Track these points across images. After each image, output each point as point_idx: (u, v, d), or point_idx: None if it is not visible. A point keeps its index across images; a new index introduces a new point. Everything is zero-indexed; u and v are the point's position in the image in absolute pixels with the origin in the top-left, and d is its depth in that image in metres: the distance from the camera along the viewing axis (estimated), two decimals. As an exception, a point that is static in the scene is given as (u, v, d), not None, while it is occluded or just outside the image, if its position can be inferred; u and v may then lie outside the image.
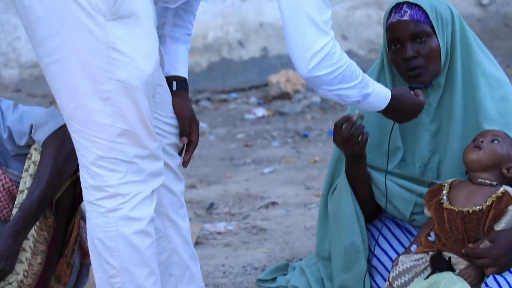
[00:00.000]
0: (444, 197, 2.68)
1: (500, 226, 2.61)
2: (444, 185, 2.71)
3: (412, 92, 2.68)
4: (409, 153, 2.89)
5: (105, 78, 2.31)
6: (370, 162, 2.87)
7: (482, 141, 2.68)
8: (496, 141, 2.68)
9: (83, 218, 2.86)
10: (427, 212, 2.73)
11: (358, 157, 2.79)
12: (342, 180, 2.87)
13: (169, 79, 2.65)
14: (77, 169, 2.66)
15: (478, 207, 2.62)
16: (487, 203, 2.63)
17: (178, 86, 2.66)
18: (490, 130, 2.73)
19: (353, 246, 2.82)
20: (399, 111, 2.62)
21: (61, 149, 2.66)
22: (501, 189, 2.64)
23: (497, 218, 2.60)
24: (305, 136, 5.97)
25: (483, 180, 2.67)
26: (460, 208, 2.63)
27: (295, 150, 5.61)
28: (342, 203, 2.85)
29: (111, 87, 2.32)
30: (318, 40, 2.37)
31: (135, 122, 2.35)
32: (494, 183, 2.66)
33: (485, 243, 2.60)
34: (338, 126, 2.71)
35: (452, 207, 2.65)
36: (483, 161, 2.66)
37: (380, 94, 2.55)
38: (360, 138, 2.69)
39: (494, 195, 2.63)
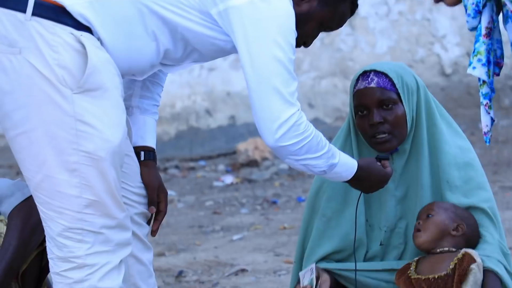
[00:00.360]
0: (412, 271, 2.74)
1: (468, 286, 2.64)
2: (411, 263, 2.78)
3: (379, 163, 2.72)
4: (375, 218, 2.91)
5: (72, 149, 2.33)
6: (333, 231, 2.90)
7: (419, 223, 2.77)
8: (430, 215, 2.77)
9: None
10: None
11: None
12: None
13: (137, 149, 2.66)
14: (44, 240, 2.65)
15: (443, 273, 2.68)
16: (451, 266, 2.68)
17: (146, 156, 2.68)
18: (424, 207, 2.81)
19: (347, 236, 2.85)
20: (365, 182, 2.65)
21: (27, 221, 2.65)
22: (461, 252, 2.70)
23: (462, 279, 2.65)
24: (274, 202, 5.99)
25: (442, 249, 2.74)
26: (427, 276, 2.68)
27: (264, 217, 5.62)
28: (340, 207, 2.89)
29: (78, 159, 2.33)
30: (284, 111, 2.41)
31: (103, 193, 2.36)
32: (453, 249, 2.73)
33: None
34: None
35: (419, 276, 2.70)
36: (429, 239, 2.74)
37: (346, 164, 2.58)
38: None
39: (455, 258, 2.69)
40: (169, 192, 6.01)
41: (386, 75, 2.82)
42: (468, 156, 2.87)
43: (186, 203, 6.16)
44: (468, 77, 7.57)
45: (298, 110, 2.44)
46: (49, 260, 2.40)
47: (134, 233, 2.54)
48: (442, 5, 2.47)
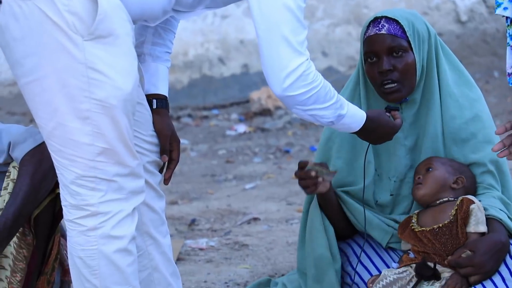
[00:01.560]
0: (415, 224, 2.76)
1: (471, 227, 2.69)
2: (412, 216, 2.81)
3: (388, 114, 2.70)
4: (384, 168, 2.90)
5: (84, 97, 2.32)
6: (344, 179, 2.89)
7: (419, 178, 2.79)
8: (430, 169, 2.79)
9: (64, 235, 2.85)
10: (404, 246, 2.80)
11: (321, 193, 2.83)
12: (313, 196, 2.91)
13: (149, 97, 2.65)
14: (56, 187, 2.66)
15: (446, 221, 2.72)
16: (452, 213, 2.72)
17: (159, 104, 2.66)
18: (422, 163, 2.83)
19: (322, 258, 2.84)
20: (373, 133, 2.64)
21: (38, 167, 2.66)
22: (459, 198, 2.75)
23: (465, 222, 2.69)
24: (287, 152, 5.99)
25: (441, 200, 2.77)
26: (431, 227, 2.71)
27: (276, 166, 5.63)
28: (312, 217, 2.88)
29: (89, 106, 2.32)
30: (292, 60, 2.38)
31: (115, 140, 2.36)
32: (452, 198, 2.77)
33: (466, 253, 2.65)
34: (296, 176, 2.75)
35: (424, 228, 2.74)
36: (430, 192, 2.77)
37: (355, 115, 2.56)
38: (312, 190, 2.73)
39: (455, 205, 2.73)
40: (182, 140, 6.03)
41: (397, 22, 2.79)
42: (476, 107, 2.85)
43: (199, 152, 6.17)
44: (484, 24, 7.50)
45: (307, 59, 2.41)
46: (63, 207, 2.41)
47: (146, 181, 2.54)
48: None
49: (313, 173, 2.72)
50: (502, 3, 2.36)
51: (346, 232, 2.91)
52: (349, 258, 2.90)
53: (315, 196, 2.90)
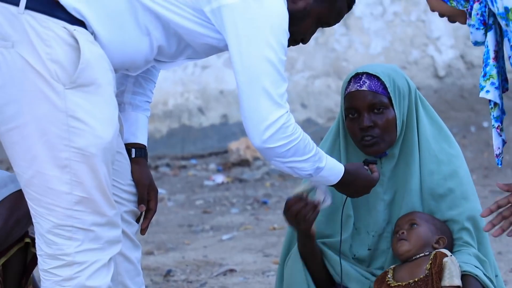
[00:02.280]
0: (391, 279, 2.77)
1: (445, 281, 2.70)
2: (388, 271, 2.81)
3: (366, 167, 2.71)
4: (362, 222, 2.90)
5: (63, 145, 2.31)
6: (322, 232, 2.88)
7: (402, 232, 2.79)
8: (414, 225, 2.80)
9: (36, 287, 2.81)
10: None
11: (305, 235, 2.81)
12: (295, 250, 2.88)
13: (128, 146, 2.65)
14: (25, 236, 2.62)
15: (421, 275, 2.72)
16: (427, 267, 2.73)
17: (137, 153, 2.66)
18: (403, 217, 2.82)
19: None
20: (351, 186, 2.64)
21: (13, 212, 2.63)
22: (433, 253, 2.76)
23: (440, 275, 2.70)
24: (264, 203, 5.98)
25: (417, 255, 2.78)
26: (407, 281, 2.72)
27: (254, 217, 5.61)
28: (293, 271, 2.86)
29: (69, 155, 2.31)
30: (272, 113, 2.39)
31: (93, 189, 2.34)
32: (427, 252, 2.78)
33: None
34: (289, 204, 2.73)
35: (400, 283, 2.74)
36: (413, 249, 2.78)
37: (333, 168, 2.57)
38: (307, 217, 2.71)
39: (429, 259, 2.74)
40: (160, 190, 6.00)
41: (378, 78, 2.81)
42: (454, 164, 2.87)
43: (177, 202, 6.14)
44: (461, 79, 7.58)
45: (287, 112, 2.43)
46: (38, 257, 2.38)
47: (123, 231, 2.52)
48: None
49: (304, 194, 2.69)
50: (484, 86, 2.39)
51: (325, 285, 2.89)
52: None
53: (295, 247, 2.88)
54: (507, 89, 2.45)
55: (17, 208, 2.62)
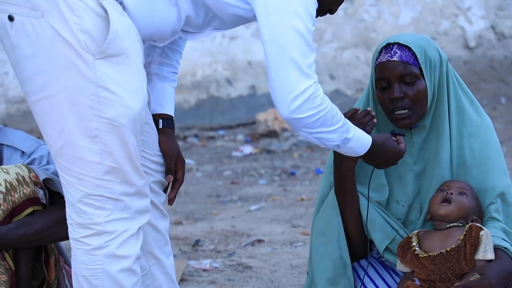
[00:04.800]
0: (417, 249, 2.74)
1: (480, 254, 2.69)
2: (412, 237, 2.78)
3: (393, 139, 2.70)
4: (392, 192, 2.89)
5: (93, 116, 2.32)
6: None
7: (451, 193, 2.76)
8: (464, 195, 2.77)
9: (67, 262, 2.83)
10: (402, 268, 2.78)
11: (348, 171, 2.79)
12: (331, 197, 2.87)
13: (156, 117, 2.65)
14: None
15: (454, 245, 2.70)
16: (460, 237, 2.71)
17: (165, 124, 2.66)
18: (456, 182, 2.80)
19: (341, 261, 2.82)
20: (378, 158, 2.63)
21: (54, 225, 2.64)
22: (467, 225, 2.74)
23: (475, 247, 2.68)
24: (292, 174, 5.98)
25: (450, 224, 2.76)
26: (439, 251, 2.71)
27: (282, 188, 5.62)
28: (330, 217, 2.85)
29: (98, 125, 2.33)
30: (300, 83, 2.38)
31: (123, 159, 2.36)
32: (460, 223, 2.76)
33: (475, 276, 2.64)
34: (348, 115, 2.73)
35: (430, 254, 2.72)
36: (453, 215, 2.75)
37: (361, 139, 2.56)
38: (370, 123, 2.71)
39: (464, 230, 2.72)
40: (188, 161, 6.03)
41: (409, 49, 2.79)
42: (486, 136, 2.85)
43: (205, 172, 6.16)
44: (492, 50, 7.51)
45: (315, 82, 2.41)
46: (68, 226, 2.41)
47: (151, 201, 2.54)
48: None
49: (369, 108, 2.73)
50: None
51: (356, 241, 2.87)
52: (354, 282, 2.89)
53: (331, 193, 2.86)
54: None
55: (60, 223, 2.61)
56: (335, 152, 2.79)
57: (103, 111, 2.32)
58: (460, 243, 2.70)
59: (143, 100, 2.37)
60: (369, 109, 2.73)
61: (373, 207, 2.83)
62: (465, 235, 2.71)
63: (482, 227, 2.74)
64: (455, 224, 2.76)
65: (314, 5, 2.41)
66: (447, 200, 2.75)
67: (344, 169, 2.80)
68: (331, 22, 7.29)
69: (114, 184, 2.36)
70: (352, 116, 2.71)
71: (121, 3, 2.37)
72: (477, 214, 2.80)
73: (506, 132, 6.55)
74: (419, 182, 2.89)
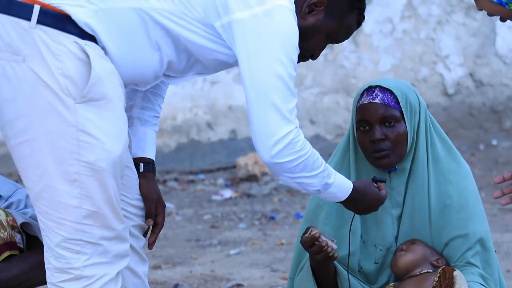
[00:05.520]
0: None
1: None
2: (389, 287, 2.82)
3: (374, 185, 2.71)
4: (370, 236, 2.90)
5: (73, 160, 2.32)
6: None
7: (403, 247, 2.81)
8: (414, 244, 2.82)
9: None
10: None
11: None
12: (306, 266, 2.88)
13: (136, 161, 2.65)
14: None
15: (430, 287, 2.72)
16: (435, 279, 2.73)
17: (145, 168, 2.66)
18: (405, 241, 2.85)
19: None
20: (359, 203, 2.64)
21: (32, 271, 2.62)
22: (440, 268, 2.76)
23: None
24: (272, 218, 5.97)
25: (422, 270, 2.78)
26: None
27: (261, 232, 5.60)
28: (304, 285, 2.85)
29: (78, 169, 2.32)
30: (282, 128, 2.39)
31: (102, 203, 2.35)
32: (431, 270, 2.78)
33: None
34: (303, 243, 2.73)
35: None
36: (413, 259, 2.78)
37: (342, 185, 2.57)
38: (323, 254, 2.72)
39: (438, 273, 2.74)
40: (168, 204, 6.00)
41: (391, 92, 2.82)
42: (463, 184, 2.87)
43: (184, 216, 6.14)
44: (470, 97, 7.58)
45: (296, 127, 2.43)
46: (46, 270, 2.39)
47: (130, 245, 2.52)
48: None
49: (323, 243, 2.71)
50: None
51: None
52: None
53: (306, 260, 2.88)
54: None
55: (37, 268, 2.59)
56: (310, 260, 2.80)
57: (83, 155, 2.32)
58: (435, 285, 2.71)
59: (124, 144, 2.38)
60: (323, 244, 2.71)
61: (353, 278, 2.83)
62: (439, 277, 2.72)
63: (454, 268, 2.75)
64: (424, 270, 2.77)
65: (295, 51, 2.43)
66: (402, 251, 2.80)
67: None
68: (311, 67, 7.34)
69: (93, 228, 2.35)
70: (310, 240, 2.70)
71: (103, 48, 2.38)
72: (438, 254, 2.82)
73: (485, 178, 6.59)
74: (397, 226, 2.90)
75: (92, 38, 2.36)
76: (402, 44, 7.46)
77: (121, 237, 2.40)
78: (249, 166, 6.90)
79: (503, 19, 2.45)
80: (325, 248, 2.70)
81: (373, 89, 2.83)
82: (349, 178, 2.71)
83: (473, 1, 2.44)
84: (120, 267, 2.40)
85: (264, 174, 6.91)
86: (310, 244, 2.72)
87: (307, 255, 2.90)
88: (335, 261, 2.84)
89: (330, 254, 2.72)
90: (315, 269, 2.84)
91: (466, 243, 2.83)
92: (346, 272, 2.82)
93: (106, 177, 2.34)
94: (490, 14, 2.44)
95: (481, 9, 2.44)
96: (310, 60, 2.60)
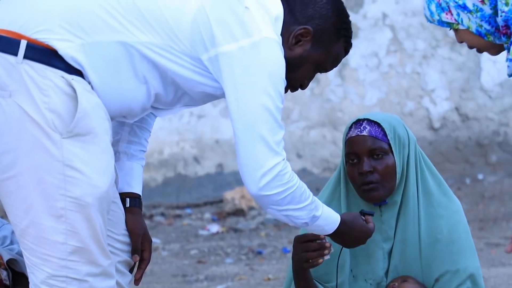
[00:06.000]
0: None
1: None
2: None
3: (362, 218, 2.70)
4: (360, 270, 2.89)
5: (59, 195, 2.30)
6: (318, 278, 2.86)
7: (394, 284, 2.79)
8: (405, 281, 2.80)
9: None
10: None
11: (302, 269, 2.77)
12: None
13: (123, 196, 2.63)
14: None
15: None
16: None
17: (132, 203, 2.65)
18: (397, 277, 2.82)
19: None
20: (346, 237, 2.63)
21: None
22: None
23: None
24: (259, 253, 5.95)
25: None
26: None
27: (248, 267, 5.57)
28: None
29: (65, 204, 2.30)
30: (269, 160, 2.39)
31: (88, 239, 2.33)
32: None
33: None
34: (300, 241, 2.71)
35: None
36: None
37: (329, 218, 2.56)
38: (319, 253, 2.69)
39: None
40: (154, 239, 5.96)
41: (378, 125, 2.83)
42: (454, 219, 2.87)
43: (171, 251, 6.10)
44: (456, 131, 7.60)
45: (284, 159, 2.42)
46: (32, 307, 2.36)
47: (116, 282, 2.50)
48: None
49: (326, 242, 2.69)
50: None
51: None
52: None
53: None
54: None
55: None
56: (293, 269, 2.78)
57: (69, 190, 2.30)
58: None
59: (111, 179, 2.36)
60: (327, 244, 2.71)
61: None
62: None
63: None
64: None
65: (282, 83, 2.44)
66: None
67: (305, 279, 2.79)
68: (298, 101, 7.36)
69: (79, 265, 2.32)
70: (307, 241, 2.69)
71: (89, 82, 2.37)
72: None
73: (471, 212, 6.59)
74: (388, 260, 2.88)
75: (78, 72, 2.35)
76: (388, 78, 7.50)
77: (107, 273, 2.37)
78: (236, 200, 6.88)
79: (479, 51, 2.47)
80: (325, 244, 2.67)
81: (361, 122, 2.84)
82: (339, 212, 2.70)
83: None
84: (106, 303, 2.37)
85: (251, 208, 6.89)
86: (312, 238, 2.68)
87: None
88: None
89: (325, 257, 2.69)
90: None
91: (457, 279, 2.82)
92: None
93: (93, 212, 2.32)
94: (470, 47, 2.45)
95: (461, 42, 2.45)
96: (299, 90, 2.61)
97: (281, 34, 2.47)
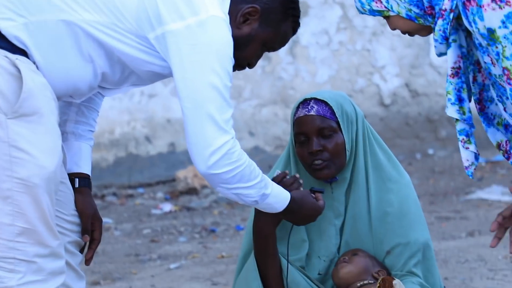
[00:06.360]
0: None
1: None
2: None
3: (312, 195, 2.72)
4: (313, 247, 2.91)
5: (6, 176, 2.28)
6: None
7: (344, 258, 2.82)
8: (356, 255, 2.83)
9: None
10: None
11: (269, 234, 2.78)
12: (251, 260, 2.85)
13: (72, 176, 2.62)
14: None
15: None
16: None
17: (81, 183, 2.63)
18: (348, 251, 2.86)
19: None
20: (296, 214, 2.65)
21: None
22: (380, 278, 2.76)
23: None
24: (212, 231, 5.96)
25: (362, 282, 2.79)
26: None
27: (202, 245, 5.58)
28: (249, 280, 2.83)
29: (11, 185, 2.28)
30: (217, 138, 2.39)
31: (36, 220, 2.31)
32: (371, 281, 2.79)
33: None
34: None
35: None
36: (354, 270, 2.79)
37: (279, 195, 2.57)
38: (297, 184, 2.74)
39: (378, 283, 2.75)
40: (106, 219, 5.95)
41: (326, 103, 2.84)
42: (404, 192, 2.89)
43: (123, 231, 6.08)
44: (406, 107, 7.67)
45: (232, 138, 2.42)
46: (-21, 289, 2.34)
47: (66, 262, 2.49)
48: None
49: (297, 175, 2.75)
50: (447, 103, 2.44)
51: None
52: None
53: (251, 257, 2.85)
54: (477, 101, 2.49)
55: None
56: (255, 214, 2.80)
57: (15, 171, 2.28)
58: None
59: (58, 159, 2.34)
60: (297, 175, 2.76)
61: (294, 269, 2.83)
62: (379, 287, 2.73)
63: (394, 277, 2.77)
64: (365, 282, 2.78)
65: (230, 62, 2.43)
66: (344, 262, 2.81)
67: (264, 231, 2.79)
68: (249, 79, 7.36)
69: (27, 246, 2.31)
70: (281, 180, 2.73)
71: (34, 62, 2.34)
72: (379, 265, 2.83)
73: (422, 187, 6.67)
74: (340, 236, 2.91)
75: (23, 52, 2.32)
76: (339, 55, 7.53)
77: (56, 254, 2.36)
78: (189, 179, 6.87)
79: (411, 34, 2.51)
80: (298, 179, 2.72)
81: (308, 101, 2.85)
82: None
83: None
84: (55, 284, 2.36)
85: (204, 187, 6.89)
86: (284, 176, 2.74)
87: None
88: (280, 255, 2.82)
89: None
90: (259, 263, 2.82)
91: (408, 251, 2.85)
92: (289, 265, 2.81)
93: (40, 193, 2.30)
94: (403, 32, 2.49)
95: (394, 29, 2.49)
96: (247, 69, 2.61)
97: (228, 13, 2.47)
